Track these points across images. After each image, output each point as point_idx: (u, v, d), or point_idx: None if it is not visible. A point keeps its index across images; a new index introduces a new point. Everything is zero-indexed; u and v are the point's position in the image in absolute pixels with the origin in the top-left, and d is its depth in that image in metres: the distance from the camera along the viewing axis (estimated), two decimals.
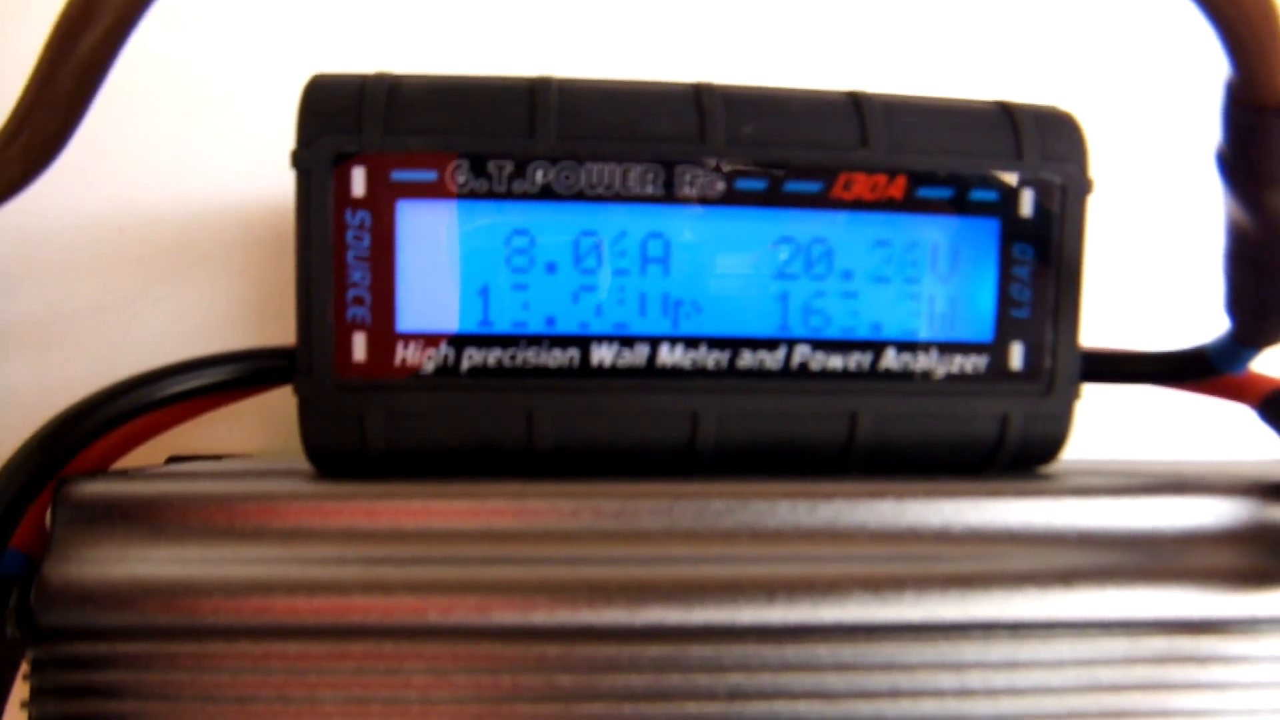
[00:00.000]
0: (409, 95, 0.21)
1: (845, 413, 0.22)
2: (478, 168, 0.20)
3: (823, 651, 0.20)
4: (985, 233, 0.22)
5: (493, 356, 0.21)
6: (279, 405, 0.22)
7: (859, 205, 0.21)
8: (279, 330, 0.32)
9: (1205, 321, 0.23)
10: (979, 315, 0.22)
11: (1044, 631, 0.20)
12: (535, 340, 0.21)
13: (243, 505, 0.20)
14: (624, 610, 0.20)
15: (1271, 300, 0.19)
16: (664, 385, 0.21)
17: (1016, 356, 0.22)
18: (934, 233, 0.22)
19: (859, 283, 0.22)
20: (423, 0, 0.33)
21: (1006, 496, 0.21)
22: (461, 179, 0.20)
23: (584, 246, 0.21)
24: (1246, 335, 0.21)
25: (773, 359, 0.22)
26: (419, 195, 0.20)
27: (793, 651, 0.20)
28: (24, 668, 0.20)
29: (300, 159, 0.20)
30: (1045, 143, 0.22)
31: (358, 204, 0.20)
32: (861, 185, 0.21)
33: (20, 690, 0.19)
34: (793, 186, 0.21)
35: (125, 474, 0.22)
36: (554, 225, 0.21)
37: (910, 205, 0.21)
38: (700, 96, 0.21)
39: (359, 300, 0.20)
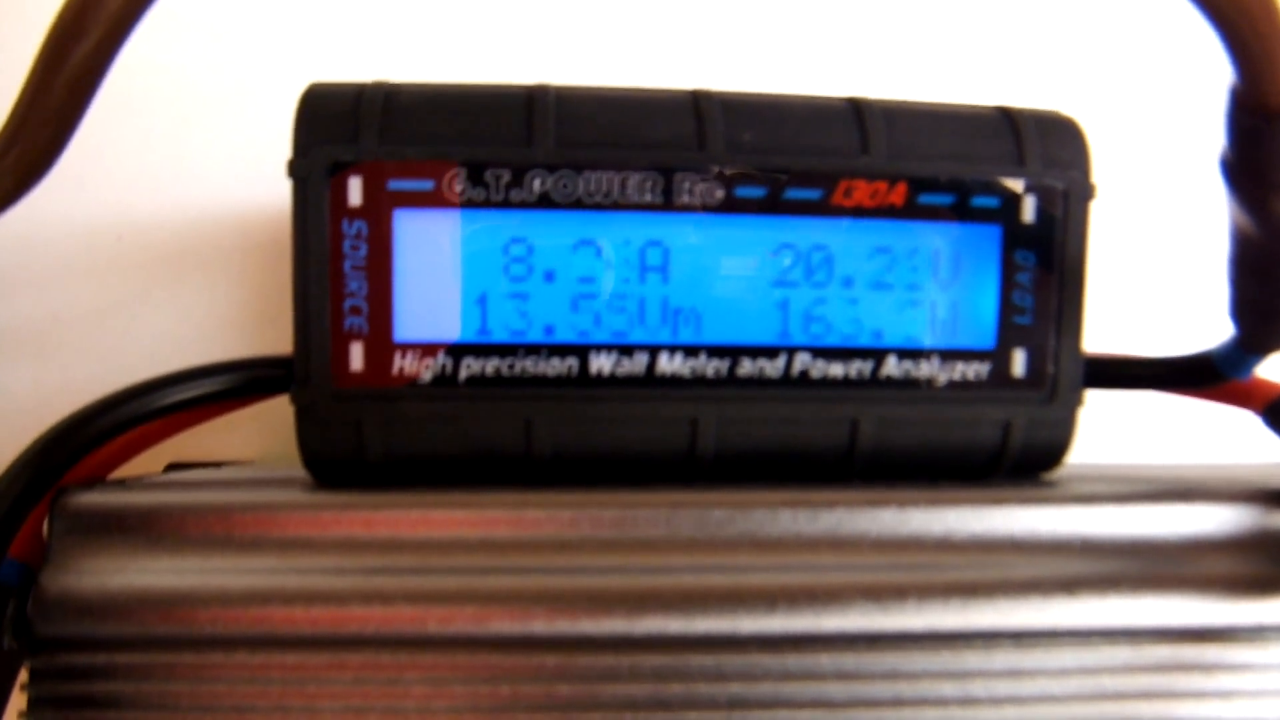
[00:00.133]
0: (406, 104, 0.21)
1: (846, 420, 0.22)
2: (475, 176, 0.20)
3: (825, 661, 0.20)
4: (987, 239, 0.22)
5: (491, 365, 0.21)
6: (279, 412, 0.22)
7: (859, 212, 0.21)
8: (278, 335, 0.32)
9: (1211, 326, 0.23)
10: (981, 322, 0.22)
11: (1047, 640, 0.20)
12: (534, 349, 0.21)
13: (240, 515, 0.20)
14: (624, 620, 0.19)
15: (1276, 306, 0.19)
16: (663, 394, 0.21)
17: (1019, 363, 0.22)
18: (935, 239, 0.22)
19: (859, 290, 0.22)
20: (424, 8, 0.33)
21: (1009, 504, 0.21)
22: (459, 188, 0.20)
23: (583, 255, 0.21)
24: (1251, 341, 0.21)
25: (773, 367, 0.21)
26: (416, 204, 0.20)
27: (794, 661, 0.20)
28: (22, 678, 0.19)
29: (296, 168, 0.20)
30: (1047, 148, 0.22)
31: (354, 213, 0.20)
32: (862, 192, 0.21)
33: (18, 701, 0.19)
34: (793, 194, 0.21)
35: (123, 483, 0.22)
36: (552, 233, 0.21)
37: (911, 212, 0.21)
38: (699, 103, 0.21)
39: (356, 310, 0.20)
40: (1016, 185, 0.21)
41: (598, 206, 0.21)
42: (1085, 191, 0.22)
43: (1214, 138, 0.17)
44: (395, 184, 0.20)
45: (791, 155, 0.21)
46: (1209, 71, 0.17)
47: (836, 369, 0.22)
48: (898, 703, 0.20)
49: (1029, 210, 0.22)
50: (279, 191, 0.21)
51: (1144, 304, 0.35)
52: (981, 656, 0.20)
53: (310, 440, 0.21)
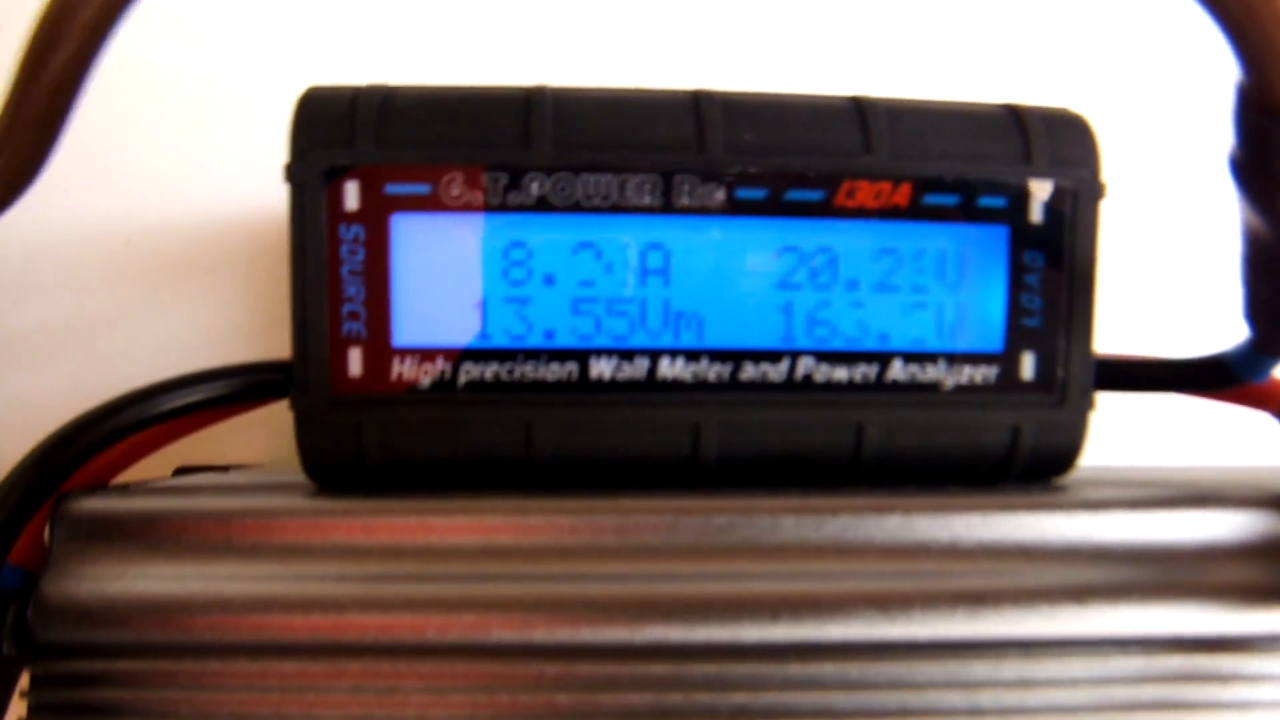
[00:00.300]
0: (402, 107, 0.20)
1: (852, 425, 0.21)
2: (472, 180, 0.20)
3: (829, 670, 0.19)
4: (994, 240, 0.21)
5: (490, 371, 0.21)
6: (287, 415, 0.22)
7: (863, 213, 0.21)
8: (284, 339, 0.32)
9: (1229, 326, 0.22)
10: (988, 324, 0.21)
11: (1057, 649, 0.20)
12: (533, 354, 0.21)
13: (240, 521, 0.20)
14: (625, 628, 0.19)
15: None
16: (664, 399, 0.21)
17: (1028, 366, 0.22)
18: (941, 241, 0.21)
19: (865, 293, 0.21)
20: (427, 12, 0.33)
21: (1017, 510, 0.20)
22: (456, 191, 0.20)
23: (583, 258, 0.21)
24: (1266, 344, 0.20)
25: (776, 371, 0.21)
26: (413, 208, 0.20)
27: (798, 670, 0.19)
28: (22, 684, 0.19)
29: (293, 173, 0.20)
30: (1055, 146, 0.21)
31: (351, 218, 0.20)
32: (865, 193, 0.21)
33: (18, 707, 0.19)
34: (794, 195, 0.21)
35: (124, 489, 0.22)
36: (552, 237, 0.21)
37: (916, 213, 0.21)
38: (699, 104, 0.21)
39: (354, 315, 0.20)
40: (1023, 185, 0.21)
41: (597, 209, 0.21)
42: (1095, 190, 0.21)
43: (1225, 136, 0.16)
44: (392, 188, 0.20)
45: (793, 156, 0.21)
46: (1221, 67, 0.17)
47: (841, 373, 0.21)
48: (904, 713, 0.19)
49: (1037, 210, 0.21)
50: (285, 196, 0.21)
51: (1163, 304, 0.34)
52: (990, 666, 0.19)
53: (310, 445, 0.21)
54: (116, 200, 0.32)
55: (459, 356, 0.21)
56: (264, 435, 0.33)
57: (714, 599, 0.19)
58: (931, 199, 0.21)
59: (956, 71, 0.34)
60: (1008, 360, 0.21)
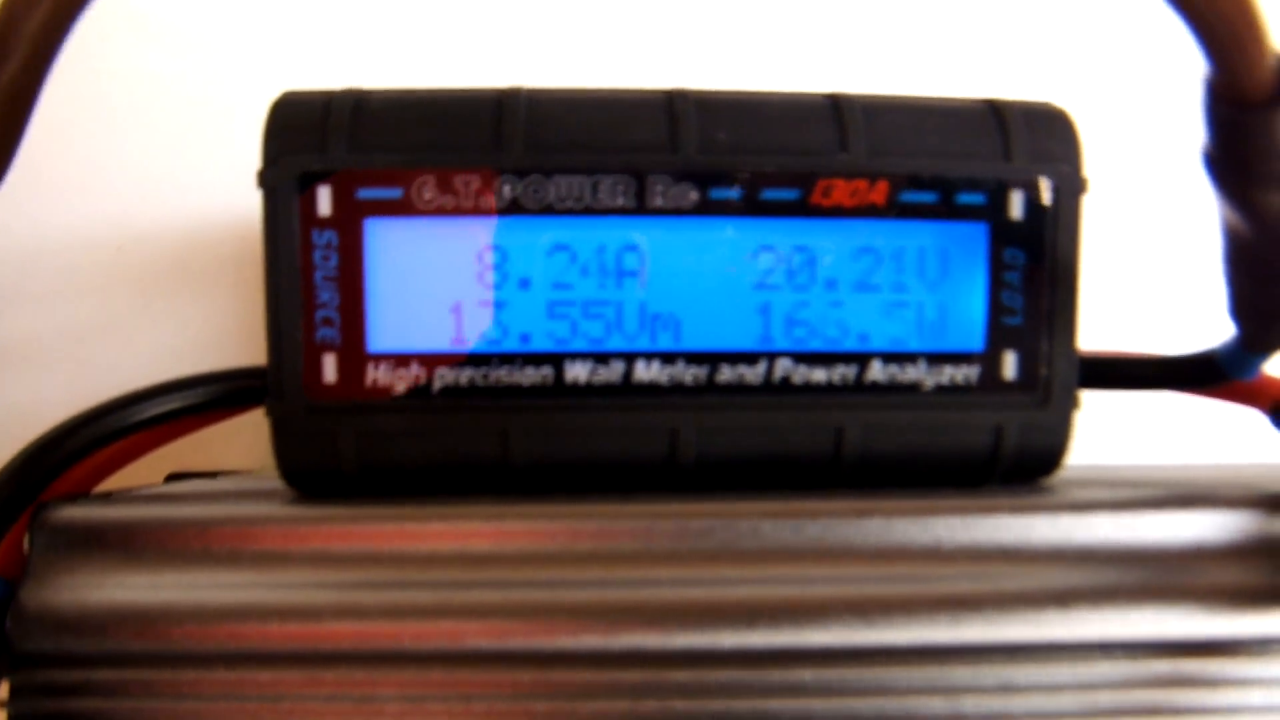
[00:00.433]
0: (375, 111, 0.20)
1: (831, 427, 0.21)
2: (444, 183, 0.20)
3: (807, 676, 0.19)
4: (973, 237, 0.21)
5: (465, 376, 0.21)
6: None
7: (840, 212, 0.21)
8: None
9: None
10: (969, 324, 0.21)
11: (1041, 654, 0.19)
12: (508, 358, 0.21)
13: (218, 529, 0.20)
14: (602, 634, 0.19)
15: (1272, 305, 0.18)
16: (641, 403, 0.21)
17: (1010, 366, 0.21)
18: (919, 239, 0.21)
19: (843, 292, 0.21)
20: (419, 17, 0.33)
21: (1000, 512, 0.20)
22: (428, 195, 0.20)
23: (557, 260, 0.21)
24: (1252, 341, 0.20)
25: (753, 373, 0.21)
26: (386, 213, 0.20)
27: (776, 676, 0.19)
28: (2, 694, 0.20)
29: (265, 179, 0.20)
30: (1035, 141, 0.21)
31: (324, 223, 0.20)
32: (841, 191, 0.21)
33: None
34: (769, 194, 0.20)
35: (104, 497, 0.22)
36: (525, 240, 0.21)
37: (893, 211, 0.21)
38: (673, 104, 0.21)
39: (328, 321, 0.20)
40: (1002, 181, 0.21)
41: (570, 211, 0.20)
42: (1076, 185, 0.21)
43: (1196, 133, 0.16)
44: (364, 193, 0.20)
45: (767, 155, 0.20)
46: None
47: (819, 374, 0.21)
48: (882, 718, 0.19)
49: (1017, 206, 0.21)
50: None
51: (1164, 301, 0.34)
52: (971, 671, 0.19)
53: (287, 452, 0.21)
54: (108, 207, 0.32)
55: (434, 362, 0.20)
56: (260, 440, 0.33)
57: (692, 604, 0.19)
58: (909, 196, 0.21)
59: (949, 69, 0.34)
60: (989, 360, 0.21)
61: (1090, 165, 0.21)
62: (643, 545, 0.20)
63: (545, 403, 0.21)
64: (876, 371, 0.21)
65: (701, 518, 0.20)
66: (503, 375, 0.21)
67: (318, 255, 0.20)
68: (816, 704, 0.19)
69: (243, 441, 0.33)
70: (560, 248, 0.21)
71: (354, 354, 0.20)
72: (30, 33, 0.14)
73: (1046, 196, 0.21)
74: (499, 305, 0.21)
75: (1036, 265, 0.21)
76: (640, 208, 0.20)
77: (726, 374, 0.21)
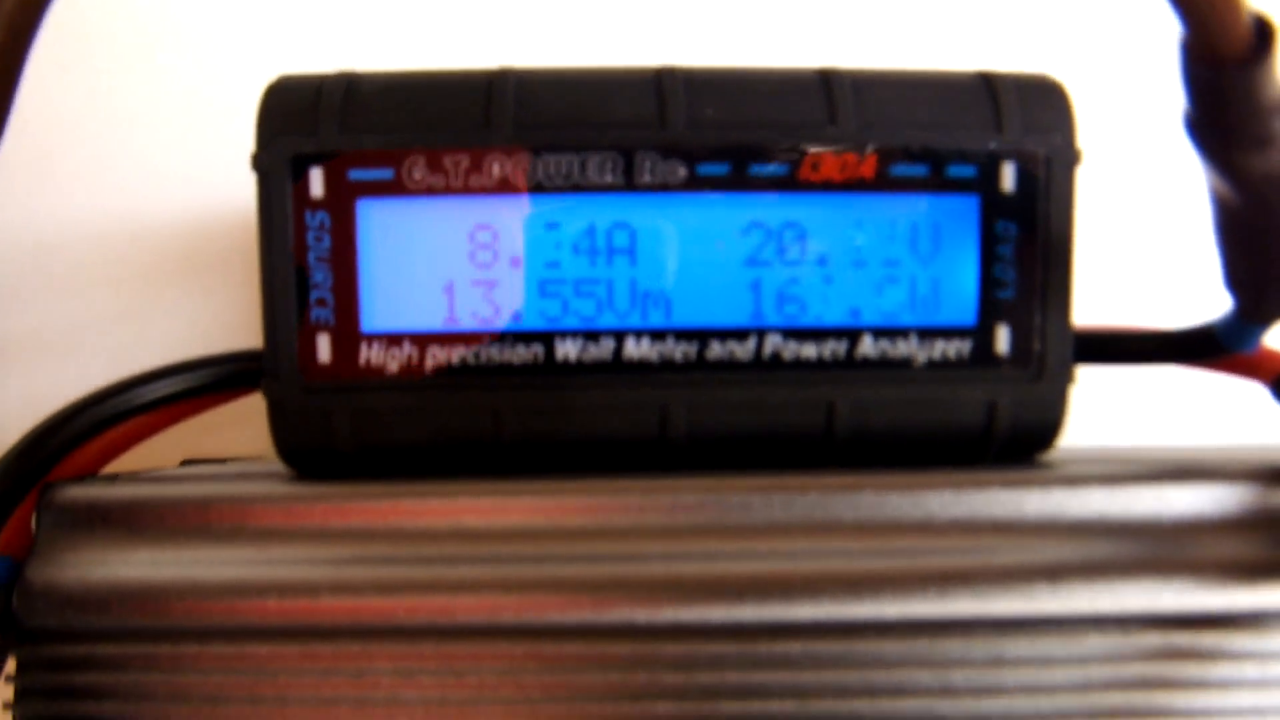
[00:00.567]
0: (365, 94, 0.21)
1: (822, 403, 0.21)
2: (433, 163, 0.20)
3: (796, 649, 0.19)
4: (964, 210, 0.21)
5: (457, 355, 0.21)
6: None
7: (829, 186, 0.21)
8: None
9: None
10: (960, 298, 0.21)
11: (1033, 627, 0.19)
12: (499, 337, 0.21)
13: (217, 507, 0.20)
14: (592, 609, 0.19)
15: (1266, 271, 0.18)
16: (631, 380, 0.21)
17: (1002, 340, 0.21)
18: (910, 212, 0.21)
19: (834, 267, 0.21)
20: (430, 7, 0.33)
21: (992, 486, 0.20)
22: (418, 175, 0.20)
23: (548, 239, 0.21)
24: (1249, 311, 0.20)
25: (743, 349, 0.21)
26: (377, 193, 0.20)
27: (765, 649, 0.19)
28: (10, 669, 0.20)
29: (258, 162, 0.20)
30: (1027, 113, 0.21)
31: (317, 205, 0.20)
32: (830, 165, 0.21)
33: (4, 691, 0.20)
34: (758, 169, 0.20)
35: (109, 479, 0.22)
36: (516, 218, 0.21)
37: (883, 184, 0.21)
38: (661, 81, 0.21)
39: (322, 302, 0.20)
40: (994, 153, 0.21)
41: (559, 189, 0.20)
42: (1069, 157, 0.21)
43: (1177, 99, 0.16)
44: (356, 174, 0.20)
45: (755, 130, 0.20)
46: None
47: (810, 350, 0.21)
48: (872, 692, 0.19)
49: (1008, 178, 0.21)
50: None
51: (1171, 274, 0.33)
52: (962, 644, 0.19)
53: (283, 433, 0.21)
54: (120, 199, 0.33)
55: (427, 341, 0.21)
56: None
57: (682, 579, 0.19)
58: (899, 170, 0.21)
59: (953, 47, 0.33)
60: (981, 334, 0.21)
61: (1102, 137, 0.21)
62: (634, 521, 0.20)
63: (536, 381, 0.21)
64: (867, 347, 0.21)
65: (692, 493, 0.20)
66: (494, 354, 0.21)
67: (311, 237, 0.20)
68: (806, 676, 0.19)
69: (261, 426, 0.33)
70: (551, 226, 0.21)
71: (348, 334, 0.21)
72: (3, 20, 0.14)
73: (1039, 168, 0.21)
74: (491, 284, 0.21)
75: (1029, 238, 0.21)
76: (629, 184, 0.20)
77: (717, 350, 0.21)
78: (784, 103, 0.21)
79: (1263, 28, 0.14)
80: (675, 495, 0.20)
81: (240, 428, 0.32)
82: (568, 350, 0.21)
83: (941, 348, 0.21)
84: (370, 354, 0.21)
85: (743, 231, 0.21)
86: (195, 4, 0.33)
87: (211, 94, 0.33)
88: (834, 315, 0.21)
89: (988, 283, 0.21)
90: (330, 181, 0.20)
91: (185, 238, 0.33)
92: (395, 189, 0.20)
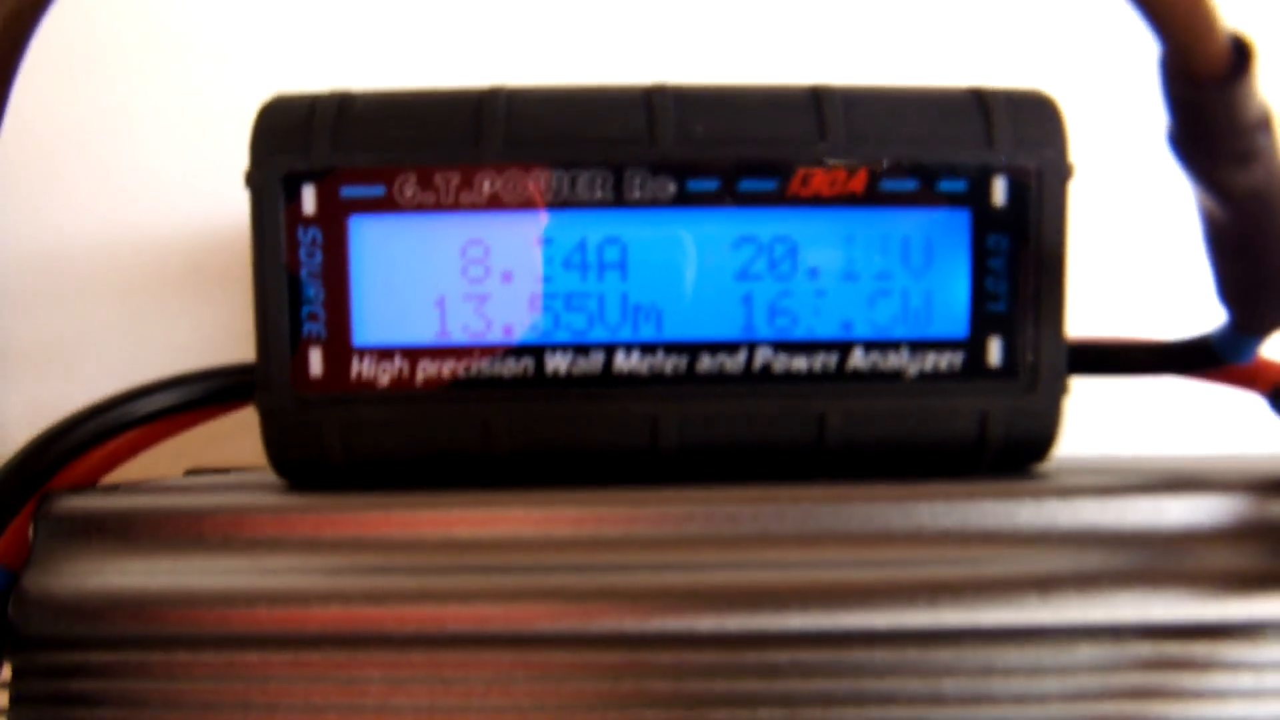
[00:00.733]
0: (357, 111, 0.21)
1: (813, 416, 0.21)
2: (424, 180, 0.20)
3: (784, 658, 0.19)
4: (955, 224, 0.21)
5: (447, 368, 0.21)
6: None
7: (819, 201, 0.21)
8: None
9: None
10: (952, 310, 0.21)
11: (1024, 637, 0.19)
12: (489, 350, 0.21)
13: (210, 518, 0.20)
14: (581, 618, 0.19)
15: (1256, 284, 0.18)
16: (620, 393, 0.21)
17: (994, 352, 0.21)
18: (901, 226, 0.21)
19: (826, 281, 0.21)
20: (435, 21, 0.33)
21: (984, 497, 0.20)
22: (409, 192, 0.21)
23: (539, 253, 0.21)
24: (1244, 323, 0.20)
25: (733, 362, 0.21)
26: (369, 210, 0.21)
27: (754, 658, 0.19)
28: (5, 675, 0.20)
29: (252, 179, 0.21)
30: (1018, 128, 0.21)
31: (309, 221, 0.21)
32: (820, 180, 0.21)
33: (0, 698, 0.20)
34: (747, 185, 0.21)
35: (106, 489, 0.22)
36: (507, 233, 0.21)
37: (874, 199, 0.21)
38: (651, 98, 0.21)
39: (314, 316, 0.21)
40: (984, 167, 0.21)
41: (550, 205, 0.21)
42: (1061, 171, 0.21)
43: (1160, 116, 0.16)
44: (348, 191, 0.21)
45: (744, 146, 0.20)
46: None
47: (800, 363, 0.21)
48: (861, 700, 0.19)
49: (1000, 193, 0.21)
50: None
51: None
52: (953, 654, 0.19)
53: (276, 445, 0.21)
54: (127, 211, 0.33)
55: (418, 355, 0.21)
56: None
57: (671, 589, 0.19)
58: (890, 184, 0.21)
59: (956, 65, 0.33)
60: (973, 346, 0.21)
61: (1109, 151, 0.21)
62: (623, 531, 0.20)
63: (527, 394, 0.21)
64: (858, 359, 0.21)
65: (682, 504, 0.20)
66: (485, 367, 0.21)
67: (303, 252, 0.21)
68: (795, 686, 0.19)
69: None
70: (542, 241, 0.21)
71: (340, 348, 0.21)
72: (3, 13, 0.14)
73: (1030, 182, 0.21)
74: (482, 298, 0.21)
75: (1021, 251, 0.21)
76: (619, 200, 0.21)
77: (707, 363, 0.21)
78: (774, 119, 0.21)
79: (1240, 46, 0.14)
80: (665, 507, 0.20)
81: (248, 436, 0.32)
82: (558, 363, 0.21)
83: (933, 360, 0.21)
84: (362, 367, 0.21)
85: (733, 246, 0.21)
86: (201, 17, 0.34)
87: (216, 106, 0.34)
88: (825, 328, 0.21)
89: (979, 295, 0.21)
90: (323, 198, 0.21)
91: (189, 248, 0.33)
92: (387, 205, 0.21)
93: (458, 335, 0.21)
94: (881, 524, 0.20)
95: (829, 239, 0.21)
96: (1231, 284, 0.19)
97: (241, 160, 0.33)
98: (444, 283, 0.21)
